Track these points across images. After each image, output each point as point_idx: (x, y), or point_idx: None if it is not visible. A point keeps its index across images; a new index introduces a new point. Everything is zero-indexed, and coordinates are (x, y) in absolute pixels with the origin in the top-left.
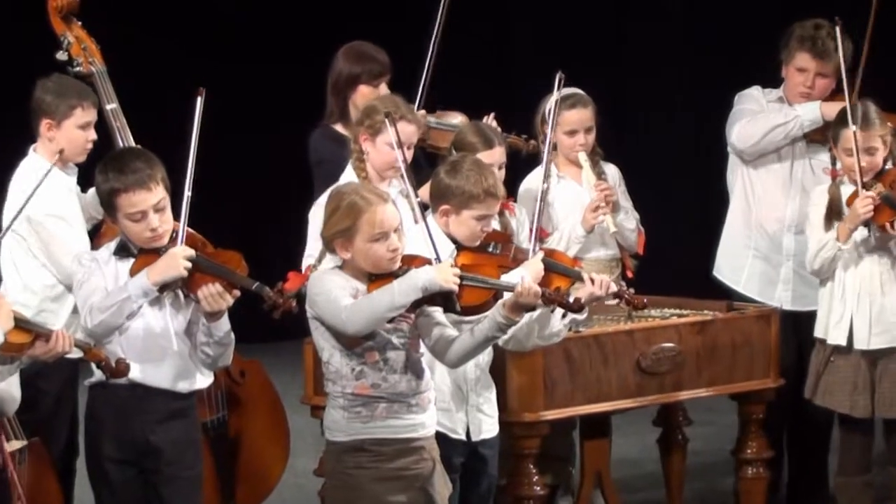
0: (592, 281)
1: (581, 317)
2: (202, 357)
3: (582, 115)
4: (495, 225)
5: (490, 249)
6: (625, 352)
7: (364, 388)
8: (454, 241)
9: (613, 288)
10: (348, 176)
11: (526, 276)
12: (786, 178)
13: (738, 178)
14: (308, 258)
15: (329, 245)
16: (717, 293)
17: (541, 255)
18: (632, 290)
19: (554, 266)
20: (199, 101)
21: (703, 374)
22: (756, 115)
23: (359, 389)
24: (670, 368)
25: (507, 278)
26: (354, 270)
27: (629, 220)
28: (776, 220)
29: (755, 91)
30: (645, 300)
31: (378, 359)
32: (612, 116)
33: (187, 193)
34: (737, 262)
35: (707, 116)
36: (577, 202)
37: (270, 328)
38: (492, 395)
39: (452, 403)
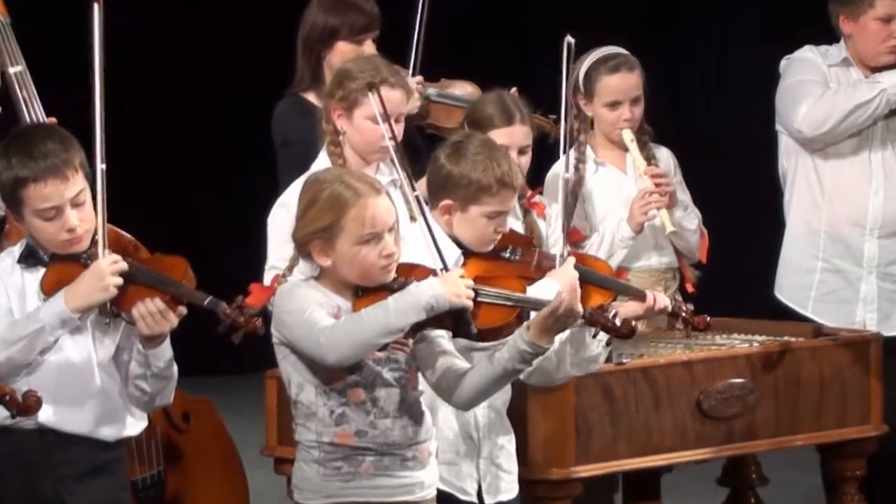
0: (641, 295)
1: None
2: (136, 394)
3: (627, 82)
4: (514, 225)
5: (506, 255)
6: (681, 389)
7: (346, 437)
8: (459, 245)
9: (666, 303)
10: (323, 164)
11: (564, 288)
12: (864, 167)
13: (800, 169)
14: (271, 270)
15: (303, 249)
16: (803, 315)
17: (572, 260)
18: (691, 307)
19: (590, 276)
20: (97, 10)
21: (782, 418)
22: (826, 92)
23: (339, 438)
24: (740, 411)
25: (533, 292)
26: (336, 282)
27: (689, 219)
28: (853, 222)
29: (810, 53)
30: (708, 320)
31: (365, 398)
32: (665, 91)
33: (100, 166)
34: (801, 278)
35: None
36: (620, 195)
37: (225, 357)
38: (510, 444)
39: (460, 455)
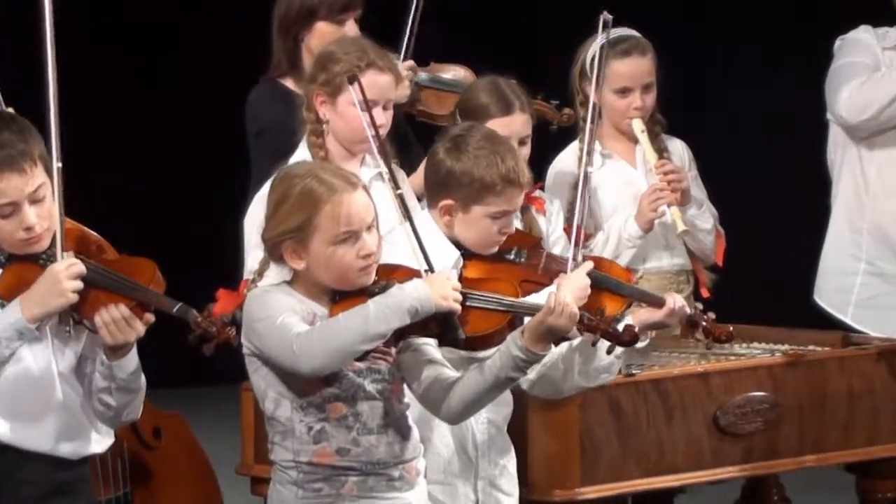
0: (660, 302)
1: (642, 344)
2: (100, 409)
3: (638, 67)
4: (518, 225)
5: (510, 258)
6: (697, 403)
7: (326, 455)
8: (461, 247)
9: (686, 309)
10: (302, 156)
11: (566, 294)
12: None
13: (846, 162)
14: (249, 274)
15: (274, 251)
16: (824, 323)
17: (588, 265)
18: (712, 316)
19: (606, 282)
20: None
21: (807, 435)
22: (873, 76)
23: (319, 457)
24: (760, 427)
25: (535, 297)
26: (311, 287)
27: (704, 218)
28: None
29: (865, 35)
30: (731, 330)
31: (346, 412)
32: (682, 81)
33: (56, 164)
34: (842, 280)
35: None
36: (629, 190)
37: (197, 369)
38: (511, 463)
39: (455, 474)
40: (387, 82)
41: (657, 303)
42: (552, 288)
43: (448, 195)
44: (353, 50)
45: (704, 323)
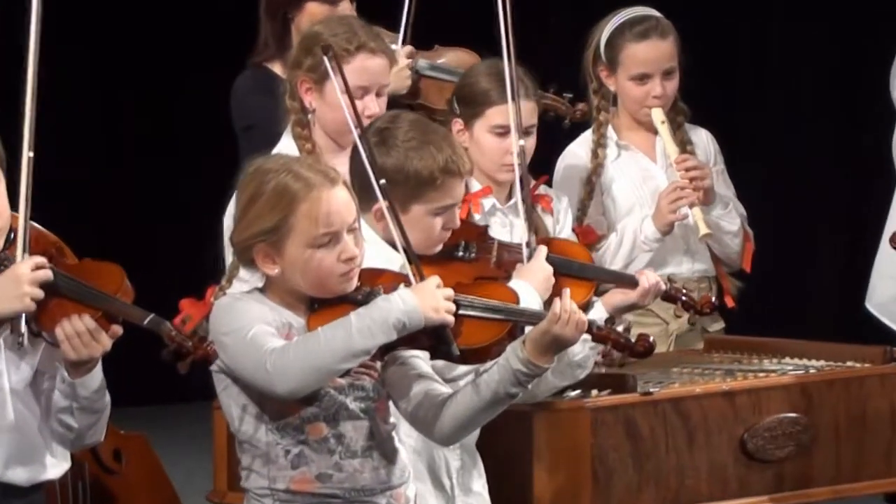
0: (632, 281)
1: (620, 327)
2: (60, 431)
3: (658, 51)
4: (516, 223)
5: (459, 254)
6: (721, 425)
7: (306, 482)
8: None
9: (661, 286)
10: (287, 148)
11: (565, 295)
12: None
13: None
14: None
15: (244, 255)
16: (871, 335)
17: (542, 251)
18: (692, 294)
19: (566, 266)
20: None
21: (844, 461)
22: None
23: (297, 484)
24: (793, 452)
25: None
26: (285, 294)
27: (730, 218)
28: None
29: None
30: (713, 299)
31: (327, 433)
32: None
33: (27, 154)
34: (894, 286)
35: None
36: (647, 186)
37: (165, 385)
38: (485, 490)
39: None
40: (379, 66)
41: (629, 282)
42: (516, 284)
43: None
44: (341, 31)
45: (684, 297)
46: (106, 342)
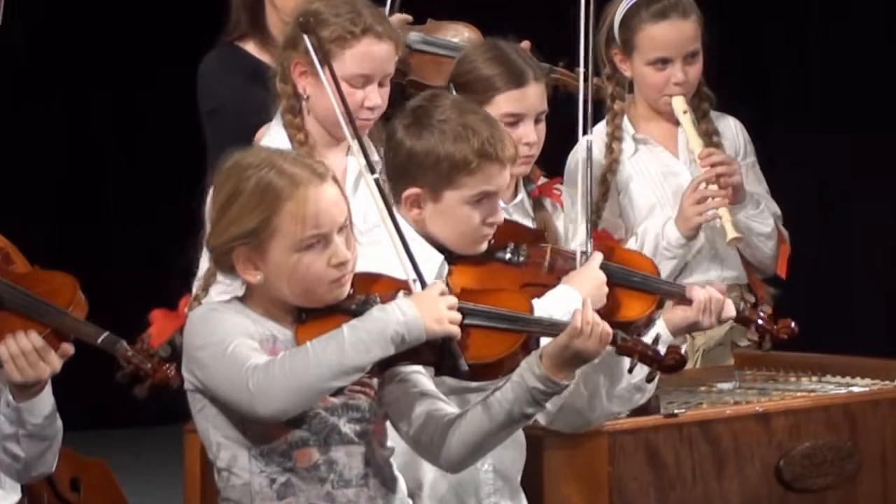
0: (686, 298)
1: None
2: (5, 461)
3: (679, 32)
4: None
5: (506, 257)
6: (755, 451)
7: None
8: (440, 248)
9: (727, 306)
10: (276, 139)
11: (586, 304)
12: None
13: None
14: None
15: (223, 260)
16: None
17: (597, 257)
18: (767, 310)
19: (625, 276)
20: None
21: (892, 491)
22: None
23: None
24: (835, 481)
25: (544, 306)
26: (269, 304)
27: (762, 219)
28: None
29: None
30: (793, 326)
31: (317, 460)
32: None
33: None
34: None
35: None
36: (668, 184)
37: (130, 407)
38: None
39: None
40: (385, 53)
41: (685, 298)
42: (562, 291)
43: (413, 182)
44: (344, 11)
45: (760, 320)
46: (55, 362)
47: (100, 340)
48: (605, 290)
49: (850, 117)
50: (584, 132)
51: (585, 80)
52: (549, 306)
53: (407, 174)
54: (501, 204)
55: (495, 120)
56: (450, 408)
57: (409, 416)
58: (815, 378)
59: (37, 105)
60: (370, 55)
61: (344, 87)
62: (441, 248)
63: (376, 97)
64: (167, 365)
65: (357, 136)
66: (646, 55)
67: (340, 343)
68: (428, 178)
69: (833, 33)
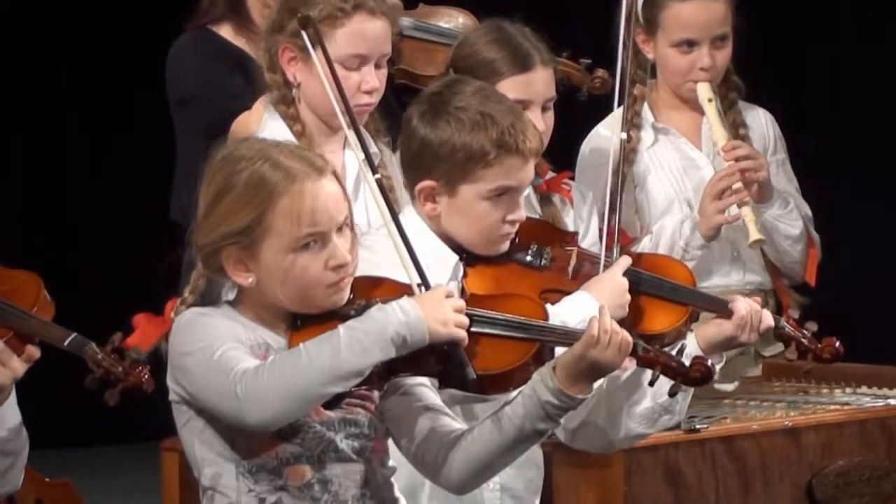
0: (726, 311)
1: (717, 365)
2: None
3: (708, 12)
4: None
5: (528, 259)
6: (784, 470)
7: None
8: (457, 248)
9: (767, 319)
10: (277, 133)
11: (603, 310)
12: None
13: None
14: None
15: (211, 261)
16: None
17: (624, 262)
18: (813, 327)
19: (654, 284)
20: None
21: None
22: None
23: None
24: (870, 502)
25: (560, 313)
26: (261, 309)
27: (791, 220)
28: None
29: None
30: (837, 345)
31: (311, 478)
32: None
33: None
34: None
35: None
36: (689, 179)
37: (99, 422)
38: None
39: None
40: (380, 31)
41: (726, 311)
42: (579, 298)
43: (427, 174)
44: None
45: (803, 338)
46: (17, 368)
47: (67, 343)
48: (627, 298)
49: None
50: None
51: (623, 76)
52: (561, 314)
53: (421, 165)
54: None
55: (520, 110)
56: (456, 423)
57: (411, 432)
58: (849, 390)
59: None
60: (364, 33)
61: (338, 70)
62: (458, 247)
63: (373, 79)
64: (139, 367)
65: (355, 126)
66: (670, 36)
67: (336, 345)
68: (443, 170)
69: (867, 15)
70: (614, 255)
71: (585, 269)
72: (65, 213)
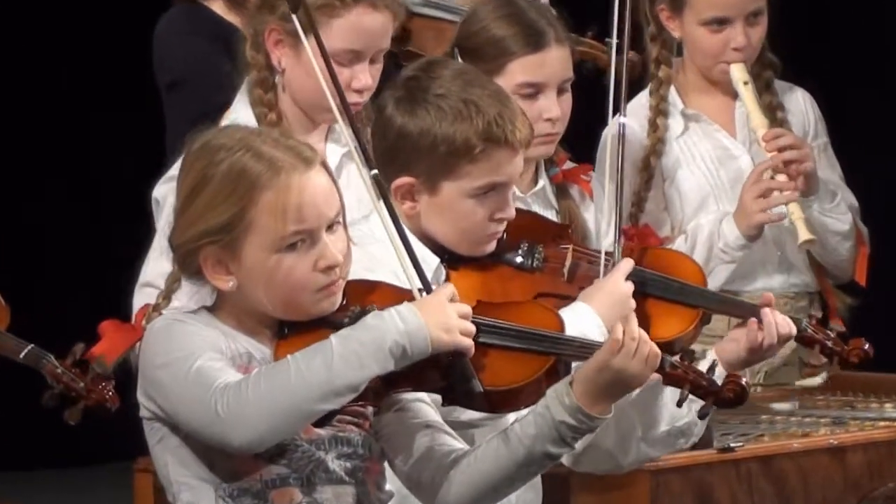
0: (747, 314)
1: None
2: None
3: None
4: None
5: (517, 260)
6: (827, 491)
7: None
8: (437, 250)
9: (789, 328)
10: (239, 116)
11: (631, 317)
12: None
13: None
14: (146, 290)
15: (188, 262)
16: None
17: (626, 265)
18: (840, 328)
19: (662, 285)
20: None
21: None
22: None
23: None
24: None
25: (569, 320)
26: (243, 315)
27: (838, 214)
28: None
29: None
30: (866, 347)
31: (299, 502)
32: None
33: None
34: None
35: None
36: (725, 171)
37: (64, 440)
38: None
39: None
40: (381, 25)
41: (746, 314)
42: (578, 309)
43: (405, 170)
44: None
45: (828, 341)
46: None
47: (22, 356)
48: (631, 305)
49: None
50: (615, 111)
51: (619, 52)
52: (583, 322)
53: (397, 159)
54: (518, 194)
55: (507, 95)
56: (457, 443)
57: (406, 450)
58: None
59: None
60: (362, 27)
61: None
62: (439, 248)
63: (366, 77)
64: (103, 383)
65: (352, 122)
66: (700, 13)
67: (328, 356)
68: (423, 166)
69: None
70: (616, 253)
71: (583, 270)
72: (20, 208)
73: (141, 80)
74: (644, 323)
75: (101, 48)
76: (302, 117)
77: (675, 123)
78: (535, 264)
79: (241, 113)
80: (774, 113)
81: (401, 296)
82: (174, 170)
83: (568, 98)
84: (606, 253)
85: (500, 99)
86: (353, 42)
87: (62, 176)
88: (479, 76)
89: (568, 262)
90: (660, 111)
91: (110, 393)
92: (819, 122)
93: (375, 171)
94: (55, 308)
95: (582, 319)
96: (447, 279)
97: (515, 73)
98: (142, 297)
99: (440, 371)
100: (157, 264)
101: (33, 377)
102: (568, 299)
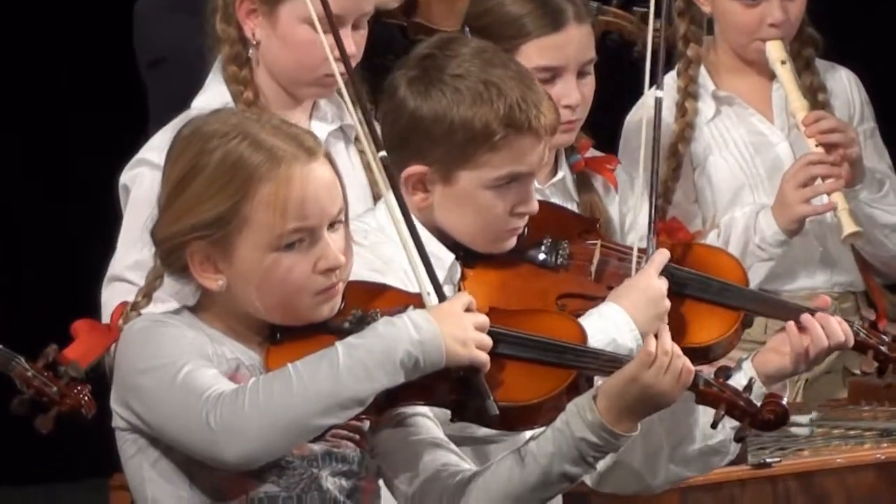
0: (795, 317)
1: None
2: None
3: None
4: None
5: (541, 258)
6: None
7: None
8: (452, 245)
9: (840, 335)
10: (213, 99)
11: (664, 329)
12: None
13: None
14: (114, 284)
15: (173, 258)
16: None
17: (660, 259)
18: (894, 331)
19: (694, 284)
20: None
21: None
22: None
23: None
24: None
25: (590, 326)
26: (232, 318)
27: (887, 205)
28: None
29: None
30: None
31: None
32: None
33: None
34: None
35: None
36: (762, 159)
37: (33, 454)
38: None
39: None
40: None
41: (795, 317)
42: (608, 311)
43: (418, 157)
44: None
45: (882, 347)
46: None
47: None
48: (665, 306)
49: None
50: (651, 84)
51: (656, 16)
52: (598, 330)
53: (408, 145)
54: (536, 186)
55: (531, 77)
56: (464, 463)
57: (409, 470)
58: None
59: None
60: None
61: (305, 31)
62: (454, 244)
63: (349, 44)
64: (78, 387)
65: (359, 99)
66: None
67: (334, 366)
68: (437, 153)
69: None
70: (650, 248)
71: (612, 268)
72: None
73: (121, 78)
74: (679, 326)
75: (84, 46)
76: (280, 93)
77: (706, 107)
78: (559, 262)
79: (213, 93)
80: (815, 95)
81: (407, 300)
82: (144, 152)
83: (590, 81)
84: (640, 250)
85: (523, 81)
86: (334, 5)
87: (39, 176)
88: (500, 55)
89: (596, 260)
90: (688, 93)
91: (86, 398)
92: (865, 104)
93: (384, 153)
94: (26, 307)
95: (612, 322)
96: (462, 278)
97: (531, 56)
98: (111, 292)
99: (450, 384)
100: (125, 256)
101: (1, 382)
102: (595, 300)
